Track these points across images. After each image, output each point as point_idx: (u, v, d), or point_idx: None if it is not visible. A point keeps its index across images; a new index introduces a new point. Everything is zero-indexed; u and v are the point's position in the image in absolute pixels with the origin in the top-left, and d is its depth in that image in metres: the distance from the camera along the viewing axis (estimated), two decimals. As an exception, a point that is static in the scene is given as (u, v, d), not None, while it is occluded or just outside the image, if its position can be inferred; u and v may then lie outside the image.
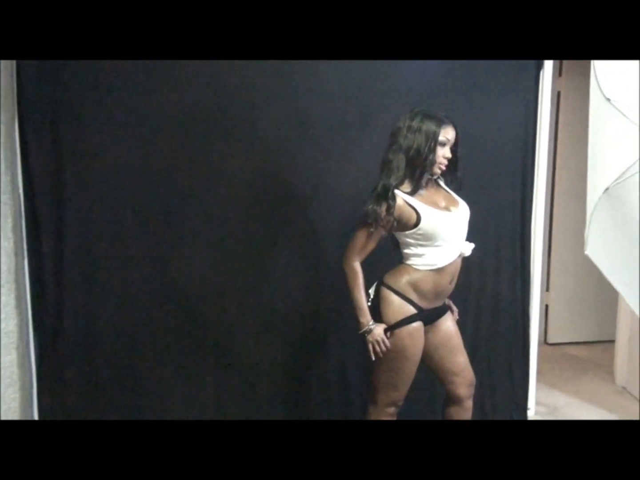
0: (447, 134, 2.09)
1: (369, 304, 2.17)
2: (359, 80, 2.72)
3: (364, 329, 2.14)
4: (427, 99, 2.64)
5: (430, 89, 2.79)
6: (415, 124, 2.06)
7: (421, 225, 2.08)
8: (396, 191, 2.08)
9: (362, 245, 2.12)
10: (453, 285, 2.24)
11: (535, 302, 3.16)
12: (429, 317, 2.24)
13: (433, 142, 2.05)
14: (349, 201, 2.66)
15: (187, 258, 2.63)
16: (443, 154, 2.10)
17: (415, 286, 2.16)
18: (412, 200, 2.09)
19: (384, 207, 2.04)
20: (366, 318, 2.14)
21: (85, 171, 2.49)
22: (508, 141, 2.99)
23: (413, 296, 2.16)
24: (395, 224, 2.09)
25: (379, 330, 2.12)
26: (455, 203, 2.21)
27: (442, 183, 2.27)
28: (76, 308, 2.55)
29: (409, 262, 2.18)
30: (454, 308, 2.41)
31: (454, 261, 2.18)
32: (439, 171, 2.15)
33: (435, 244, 2.12)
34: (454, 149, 2.15)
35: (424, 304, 2.18)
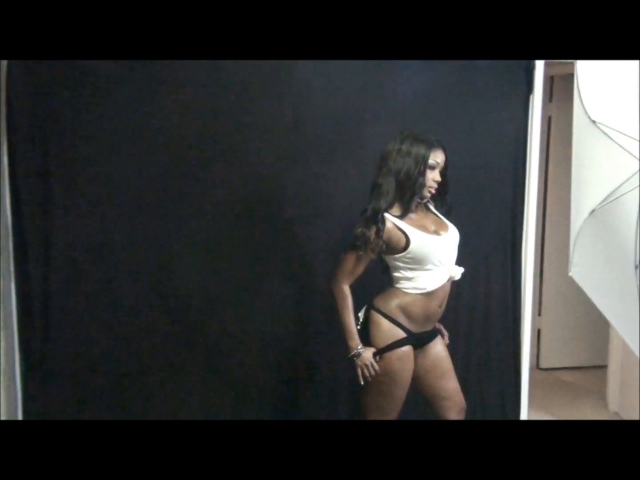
0: (437, 157, 2.13)
1: (358, 327, 2.19)
2: (350, 97, 2.76)
3: (353, 353, 2.15)
4: (416, 122, 2.63)
5: (418, 112, 2.82)
6: (405, 147, 2.10)
7: (410, 248, 2.11)
8: (386, 214, 2.11)
9: (351, 269, 2.15)
10: (443, 309, 2.26)
11: (527, 327, 3.16)
12: (419, 341, 2.25)
13: (423, 165, 2.09)
14: (339, 224, 2.68)
15: (176, 276, 2.64)
16: (433, 177, 2.14)
17: (404, 310, 2.18)
18: (401, 223, 2.12)
19: (373, 230, 2.07)
20: (355, 341, 2.15)
21: (74, 190, 2.50)
22: (498, 165, 3.01)
23: (402, 320, 2.18)
24: (384, 247, 2.12)
25: (367, 354, 2.13)
26: (445, 227, 2.24)
27: (431, 207, 2.30)
28: (64, 332, 2.55)
29: (398, 285, 2.21)
30: (444, 332, 2.42)
31: (444, 285, 2.20)
32: (428, 195, 2.18)
33: (425, 267, 2.15)
34: (443, 173, 2.18)
35: (413, 328, 2.20)
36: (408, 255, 2.13)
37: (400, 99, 2.80)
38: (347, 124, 2.76)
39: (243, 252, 2.70)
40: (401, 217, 2.12)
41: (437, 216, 2.28)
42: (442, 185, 2.20)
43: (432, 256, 2.13)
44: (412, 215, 2.17)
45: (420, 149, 2.09)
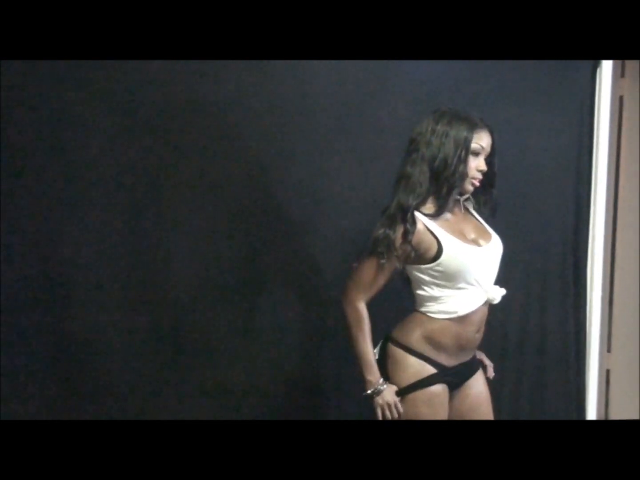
0: (482, 140, 2.06)
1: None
2: (361, 78, 2.71)
3: (372, 390, 2.07)
4: (450, 103, 2.51)
5: (454, 91, 2.76)
6: (441, 127, 2.04)
7: (442, 259, 2.02)
8: (416, 213, 2.04)
9: (369, 281, 2.07)
10: (481, 334, 2.19)
11: (593, 367, 3.16)
12: (456, 376, 2.17)
13: (464, 150, 2.02)
14: (353, 229, 2.63)
15: (159, 290, 2.57)
16: (477, 165, 2.07)
17: (431, 340, 2.11)
18: (433, 225, 2.05)
19: (399, 231, 2.01)
20: (374, 375, 2.08)
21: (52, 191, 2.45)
22: (557, 158, 2.97)
23: (431, 352, 2.12)
24: (412, 254, 2.05)
25: (391, 391, 2.08)
26: (487, 236, 2.17)
27: (471, 208, 2.25)
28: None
29: (423, 309, 2.14)
30: (487, 362, 2.34)
31: (479, 308, 2.13)
32: (471, 188, 2.11)
33: (457, 285, 2.07)
34: (489, 161, 2.11)
35: (446, 361, 2.13)
36: (437, 268, 2.04)
37: (429, 75, 2.75)
38: (361, 107, 2.70)
39: (237, 263, 2.65)
40: (434, 216, 2.06)
41: (479, 221, 2.22)
42: (489, 177, 2.13)
43: (467, 272, 2.06)
44: (448, 216, 2.11)
45: (460, 130, 2.03)
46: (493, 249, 2.14)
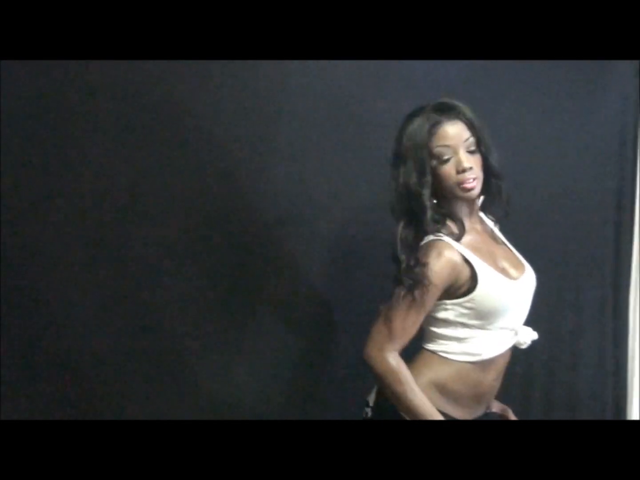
0: (445, 138, 1.82)
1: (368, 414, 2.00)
2: (352, 74, 2.61)
3: None
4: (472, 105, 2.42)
5: (465, 87, 2.59)
6: (397, 147, 1.87)
7: (475, 293, 1.84)
8: (445, 239, 1.85)
9: (401, 328, 1.86)
10: (499, 382, 2.05)
11: (636, 417, 3.05)
12: None
13: (422, 165, 1.83)
14: (338, 236, 2.56)
15: (122, 315, 2.44)
16: (457, 165, 1.82)
17: (443, 388, 1.95)
18: (468, 253, 1.85)
19: (434, 259, 1.82)
20: None
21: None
22: (595, 170, 2.88)
23: (440, 402, 1.94)
24: (452, 290, 1.89)
25: None
26: (520, 266, 1.99)
27: (497, 230, 2.08)
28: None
29: (434, 346, 1.95)
30: (513, 419, 2.20)
31: (505, 352, 1.98)
32: (473, 194, 1.86)
33: (487, 326, 1.89)
34: (473, 149, 1.85)
35: (458, 414, 1.97)
36: (467, 304, 1.86)
37: (435, 68, 2.62)
38: (354, 96, 2.59)
39: (214, 281, 2.55)
40: (459, 239, 1.87)
41: (507, 246, 2.06)
42: (485, 167, 1.87)
43: (503, 311, 1.88)
44: (476, 238, 1.92)
45: (414, 135, 1.81)
46: (527, 283, 1.98)
